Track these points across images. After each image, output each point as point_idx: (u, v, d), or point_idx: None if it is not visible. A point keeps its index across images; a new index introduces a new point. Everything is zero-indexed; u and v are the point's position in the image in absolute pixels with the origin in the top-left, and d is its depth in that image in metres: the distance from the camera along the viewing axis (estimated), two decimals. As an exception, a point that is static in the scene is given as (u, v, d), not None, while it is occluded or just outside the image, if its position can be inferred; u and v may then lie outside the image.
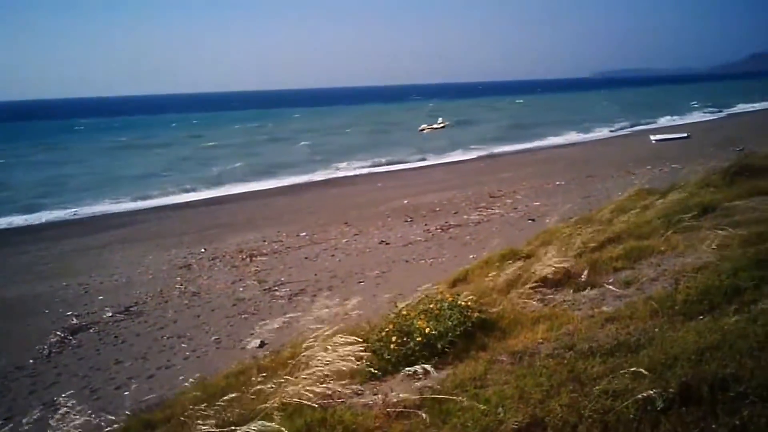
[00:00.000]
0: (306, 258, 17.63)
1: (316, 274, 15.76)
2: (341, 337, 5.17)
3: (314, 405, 4.32)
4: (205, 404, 4.62)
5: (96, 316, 13.96)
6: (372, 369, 5.21)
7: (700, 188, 11.15)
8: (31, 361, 11.74)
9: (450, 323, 5.60)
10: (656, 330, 4.60)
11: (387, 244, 18.44)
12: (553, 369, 4.17)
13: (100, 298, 15.34)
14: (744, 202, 8.92)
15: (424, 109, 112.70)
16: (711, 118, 65.85)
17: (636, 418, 3.28)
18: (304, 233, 20.81)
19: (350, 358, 4.85)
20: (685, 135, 43.26)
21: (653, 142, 41.26)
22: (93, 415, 5.29)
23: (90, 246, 21.77)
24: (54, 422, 4.84)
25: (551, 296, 6.65)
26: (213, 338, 12.12)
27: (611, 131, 56.83)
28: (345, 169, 41.08)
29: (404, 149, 49.47)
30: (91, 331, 13.14)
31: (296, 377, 4.71)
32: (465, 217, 21.27)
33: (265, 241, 20.17)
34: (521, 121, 73.40)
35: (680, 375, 3.51)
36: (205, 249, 19.61)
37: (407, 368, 4.87)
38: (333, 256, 17.63)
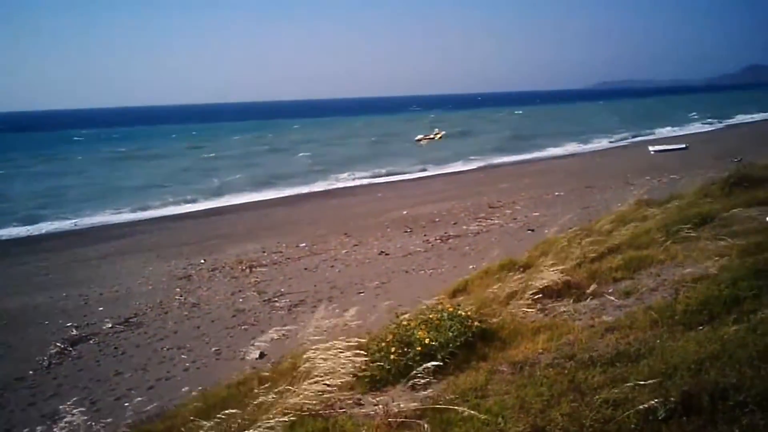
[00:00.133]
0: (306, 269, 17.62)
1: (315, 285, 15.74)
2: (341, 348, 5.18)
3: (316, 415, 4.32)
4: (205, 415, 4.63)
5: (96, 327, 13.93)
6: (373, 379, 5.22)
7: (699, 198, 11.22)
8: (30, 372, 11.67)
9: (450, 333, 5.61)
10: (656, 340, 4.62)
11: (387, 254, 18.43)
12: (553, 379, 4.18)
13: (100, 309, 15.31)
14: (742, 212, 8.96)
15: (424, 120, 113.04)
16: (710, 129, 66.03)
17: (638, 428, 3.29)
18: (303, 244, 20.81)
19: (351, 368, 4.87)
20: (684, 146, 43.38)
21: (652, 153, 41.35)
22: (94, 426, 5.28)
23: (90, 257, 21.75)
24: (54, 434, 4.85)
25: (551, 306, 6.67)
26: (213, 349, 12.09)
27: (610, 142, 56.96)
28: (345, 180, 41.06)
29: (404, 160, 49.54)
30: (91, 342, 13.09)
31: (297, 387, 4.71)
32: (464, 227, 21.28)
33: (264, 251, 20.16)
34: (521, 132, 73.53)
35: (681, 384, 3.53)
36: (204, 260, 19.60)
37: (408, 378, 4.89)
38: (333, 266, 17.62)
